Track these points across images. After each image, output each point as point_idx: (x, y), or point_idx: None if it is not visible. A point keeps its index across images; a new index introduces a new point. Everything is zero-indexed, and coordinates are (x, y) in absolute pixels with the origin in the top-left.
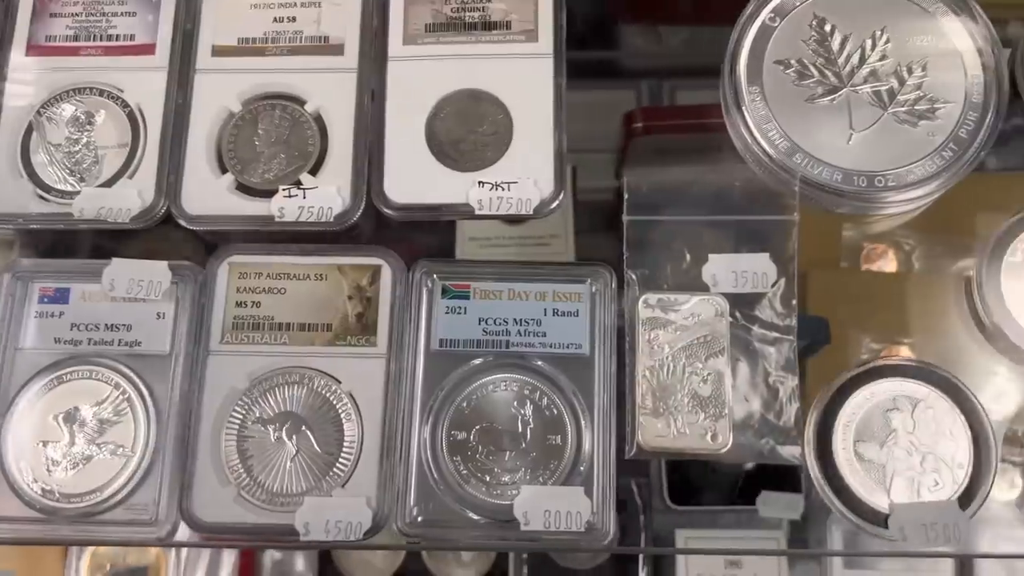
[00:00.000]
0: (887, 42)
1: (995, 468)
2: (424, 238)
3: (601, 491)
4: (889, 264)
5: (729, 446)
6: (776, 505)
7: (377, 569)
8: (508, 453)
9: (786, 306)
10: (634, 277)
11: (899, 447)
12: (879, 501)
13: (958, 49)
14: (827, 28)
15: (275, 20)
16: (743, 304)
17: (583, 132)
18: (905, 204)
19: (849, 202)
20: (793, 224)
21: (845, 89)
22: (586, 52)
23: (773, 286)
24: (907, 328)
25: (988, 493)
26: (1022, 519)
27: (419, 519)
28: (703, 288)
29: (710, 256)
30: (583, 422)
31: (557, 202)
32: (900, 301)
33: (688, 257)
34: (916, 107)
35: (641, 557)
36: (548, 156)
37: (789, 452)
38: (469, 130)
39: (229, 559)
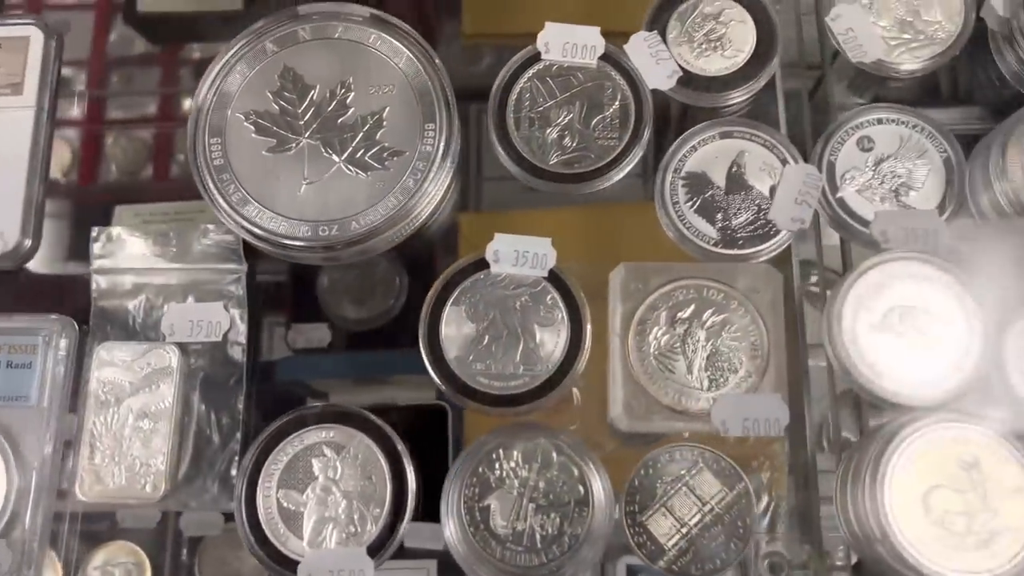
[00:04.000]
0: (349, 92)
1: (411, 513)
2: None
3: (27, 543)
4: None
5: (163, 495)
6: (420, 535)
7: None
8: None
9: (236, 355)
10: (96, 328)
11: (321, 493)
12: (296, 548)
13: (416, 100)
14: (293, 79)
15: None
16: (199, 354)
17: None
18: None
19: (298, 253)
20: (241, 273)
21: (303, 140)
22: None
23: (226, 334)
24: None
25: (399, 541)
26: None
27: None
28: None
29: (168, 306)
30: (18, 474)
31: (25, 251)
32: None
33: (153, 307)
34: (367, 156)
35: None
36: (17, 207)
37: (225, 500)
38: None
39: None
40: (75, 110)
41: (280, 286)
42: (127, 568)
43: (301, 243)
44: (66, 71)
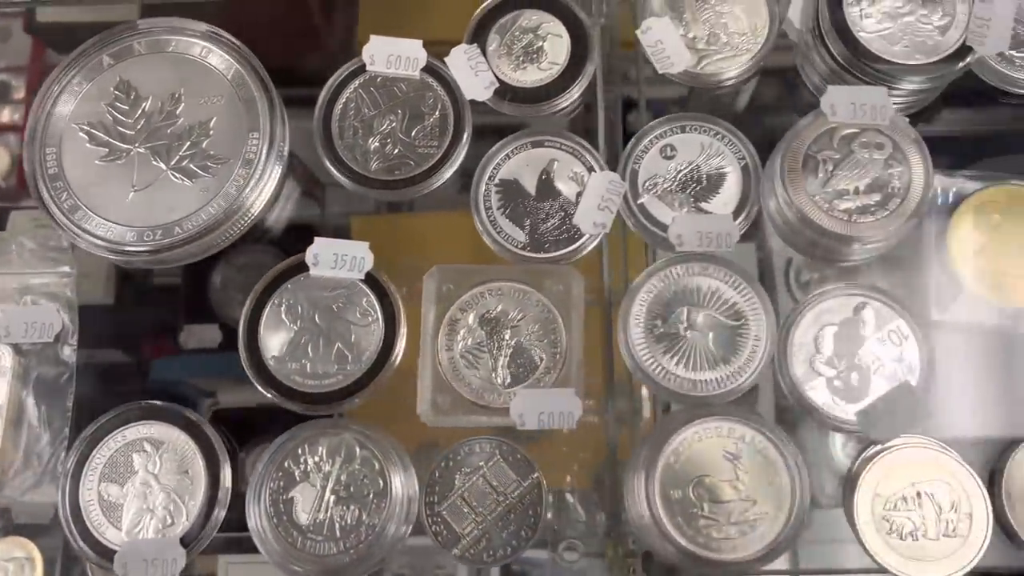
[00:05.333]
0: (180, 103)
1: (226, 507)
2: None
3: None
4: None
5: None
6: None
7: None
8: None
9: (67, 355)
10: None
11: (141, 487)
12: (115, 538)
13: (242, 110)
14: (126, 90)
15: None
16: (32, 354)
17: None
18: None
19: (126, 257)
20: (72, 276)
21: (133, 149)
22: None
23: (58, 335)
24: None
25: (214, 532)
26: None
27: None
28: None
29: (2, 308)
30: None
31: None
32: None
33: None
34: (193, 164)
35: None
36: None
37: (53, 493)
38: None
39: None
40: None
41: (172, 287)
42: (20, 563)
43: (127, 248)
44: (5, 77)
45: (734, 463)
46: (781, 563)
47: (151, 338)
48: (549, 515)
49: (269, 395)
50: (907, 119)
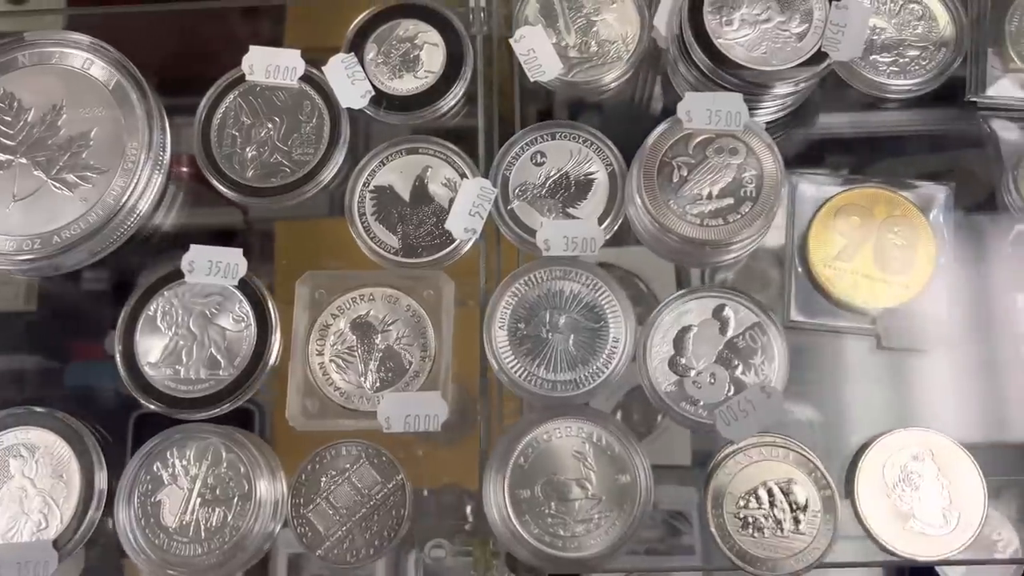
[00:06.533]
0: (61, 114)
1: (100, 510)
2: None
3: None
4: None
5: None
6: None
7: None
8: None
9: None
10: None
11: (17, 491)
12: None
13: (123, 121)
14: (9, 102)
15: None
16: None
17: None
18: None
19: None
20: None
21: (15, 160)
22: None
23: None
24: None
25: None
26: None
27: None
28: None
29: None
30: None
31: None
32: None
33: None
34: (73, 174)
35: None
36: None
37: None
38: None
39: None
40: None
41: (101, 292)
42: None
43: (9, 257)
44: None
45: (582, 461)
46: (696, 559)
47: (47, 345)
48: (415, 515)
49: (145, 403)
50: (763, 124)
